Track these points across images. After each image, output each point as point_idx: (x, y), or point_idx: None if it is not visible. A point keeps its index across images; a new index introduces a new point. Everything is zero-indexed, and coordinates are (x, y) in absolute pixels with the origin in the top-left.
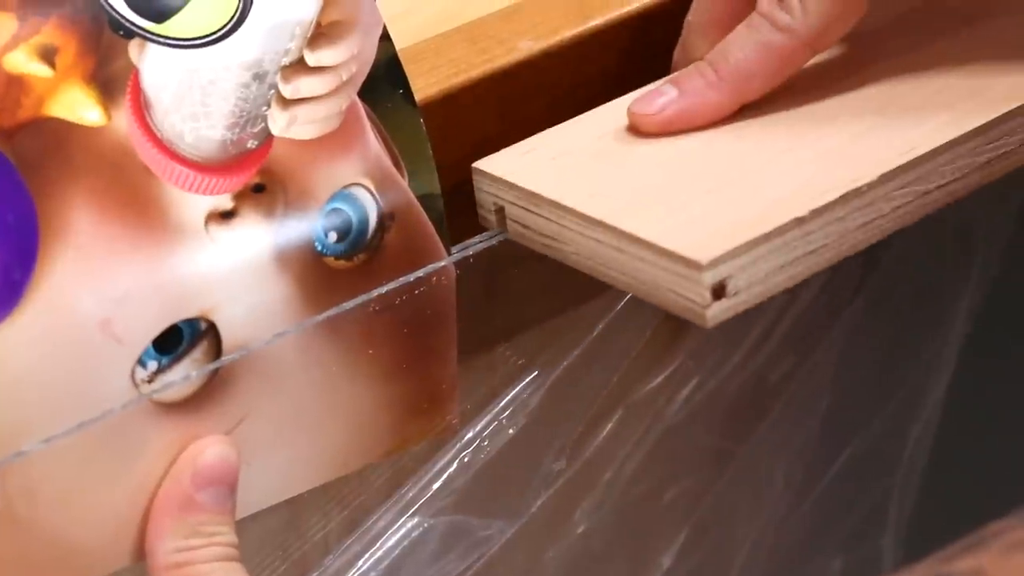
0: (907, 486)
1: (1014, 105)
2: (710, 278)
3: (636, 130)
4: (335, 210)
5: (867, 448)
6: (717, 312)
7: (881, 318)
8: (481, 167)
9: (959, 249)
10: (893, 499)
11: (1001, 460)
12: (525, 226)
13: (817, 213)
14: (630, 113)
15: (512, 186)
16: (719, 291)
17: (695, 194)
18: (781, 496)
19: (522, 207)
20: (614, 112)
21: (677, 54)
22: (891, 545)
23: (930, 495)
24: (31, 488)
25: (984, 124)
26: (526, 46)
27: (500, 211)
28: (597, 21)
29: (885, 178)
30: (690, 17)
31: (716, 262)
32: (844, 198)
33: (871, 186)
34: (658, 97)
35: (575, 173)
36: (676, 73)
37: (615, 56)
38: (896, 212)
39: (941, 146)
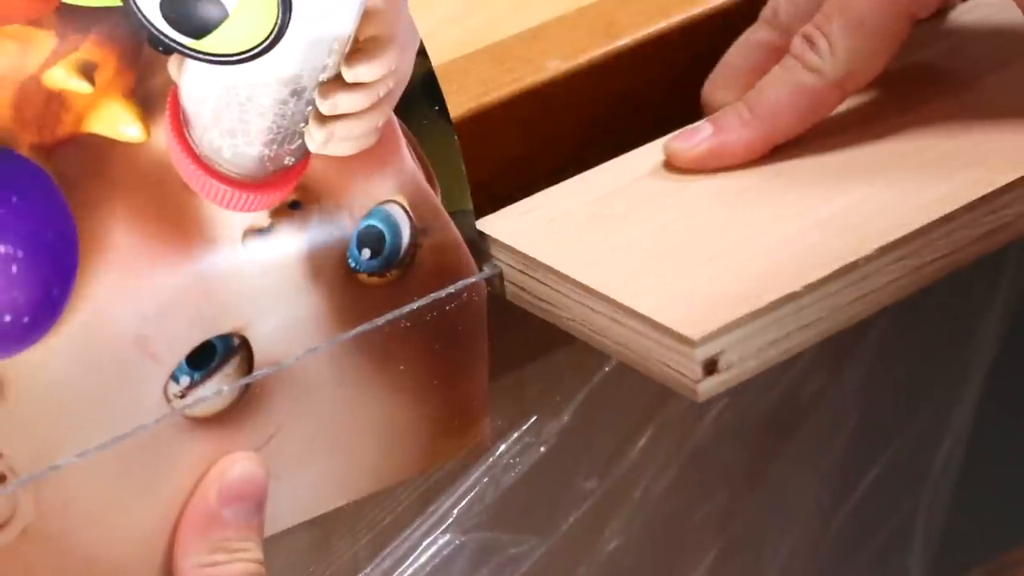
0: (935, 505)
1: (1014, 176)
2: (702, 354)
3: (672, 165)
4: (369, 227)
5: (895, 466)
6: (709, 387)
7: (909, 335)
8: (480, 227)
9: (987, 266)
10: (920, 517)
11: None
12: (522, 288)
13: (811, 288)
14: (667, 148)
15: (510, 249)
16: (711, 367)
17: (690, 264)
18: (811, 514)
19: (519, 271)
20: (614, 172)
21: (706, 87)
22: (918, 564)
23: (958, 514)
24: (64, 502)
25: (983, 196)
26: (553, 66)
27: (499, 274)
28: (624, 41)
29: (881, 252)
30: (726, 58)
31: (708, 338)
32: (838, 272)
33: (867, 259)
34: (695, 134)
35: (573, 237)
36: (715, 113)
37: (642, 76)
38: (891, 286)
39: (938, 219)
